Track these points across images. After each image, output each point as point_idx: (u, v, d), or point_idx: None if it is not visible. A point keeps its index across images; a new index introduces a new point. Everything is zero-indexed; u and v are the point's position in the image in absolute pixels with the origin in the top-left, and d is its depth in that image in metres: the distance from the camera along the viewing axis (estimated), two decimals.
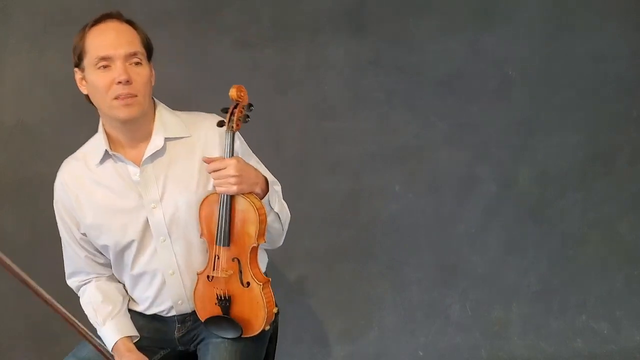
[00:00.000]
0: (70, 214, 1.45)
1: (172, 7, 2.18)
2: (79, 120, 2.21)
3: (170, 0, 2.19)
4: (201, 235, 1.39)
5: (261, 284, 1.36)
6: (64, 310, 1.28)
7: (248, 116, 1.36)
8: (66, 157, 2.18)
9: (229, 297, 1.37)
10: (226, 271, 1.35)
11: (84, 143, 2.18)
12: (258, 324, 1.37)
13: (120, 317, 1.47)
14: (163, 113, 1.43)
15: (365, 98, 2.37)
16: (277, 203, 1.39)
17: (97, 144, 1.42)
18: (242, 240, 1.34)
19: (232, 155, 1.31)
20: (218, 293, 1.38)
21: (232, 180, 1.27)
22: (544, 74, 2.46)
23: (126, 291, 1.53)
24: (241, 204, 1.32)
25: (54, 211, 2.19)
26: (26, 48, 2.16)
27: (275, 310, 1.39)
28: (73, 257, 1.50)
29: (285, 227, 1.48)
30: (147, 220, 1.38)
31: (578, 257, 2.56)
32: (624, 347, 2.54)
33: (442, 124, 2.42)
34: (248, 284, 1.36)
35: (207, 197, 1.36)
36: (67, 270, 1.53)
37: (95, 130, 2.14)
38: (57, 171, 2.17)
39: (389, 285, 2.46)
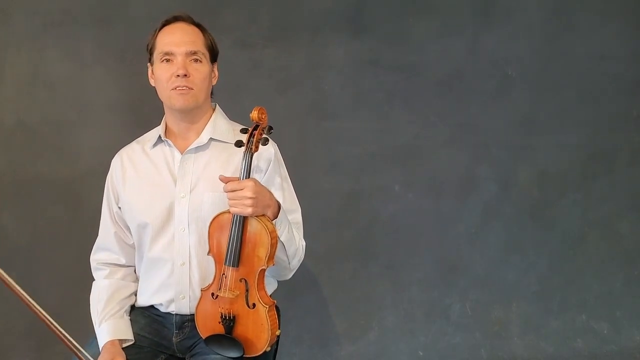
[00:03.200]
0: (115, 187, 1.55)
1: (172, 7, 2.17)
2: (79, 120, 2.22)
3: (170, 0, 2.19)
4: (209, 252, 1.39)
5: (267, 306, 1.36)
6: (55, 324, 1.30)
7: (267, 139, 1.37)
8: (65, 157, 2.21)
9: (234, 316, 1.36)
10: (233, 291, 1.35)
11: (83, 144, 2.20)
12: (260, 345, 1.37)
13: (117, 319, 1.49)
14: (218, 117, 1.55)
15: (365, 98, 2.37)
16: (285, 232, 1.39)
17: (156, 131, 1.56)
18: (251, 261, 1.34)
19: (249, 176, 1.32)
20: (222, 312, 1.37)
21: (248, 202, 1.28)
22: (544, 74, 2.46)
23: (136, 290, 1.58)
24: (254, 226, 1.32)
25: (53, 211, 2.21)
26: (26, 48, 2.16)
27: (278, 332, 1.39)
28: (104, 232, 1.58)
29: (293, 263, 1.48)
30: (172, 207, 1.46)
31: (578, 257, 2.56)
32: (624, 347, 2.54)
33: (442, 124, 2.42)
34: (254, 305, 1.35)
35: (218, 215, 1.37)
36: (96, 245, 1.60)
37: (93, 131, 2.15)
38: (56, 171, 2.20)
39: (389, 285, 2.46)
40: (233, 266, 1.34)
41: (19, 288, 1.31)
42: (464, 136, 2.44)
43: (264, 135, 1.36)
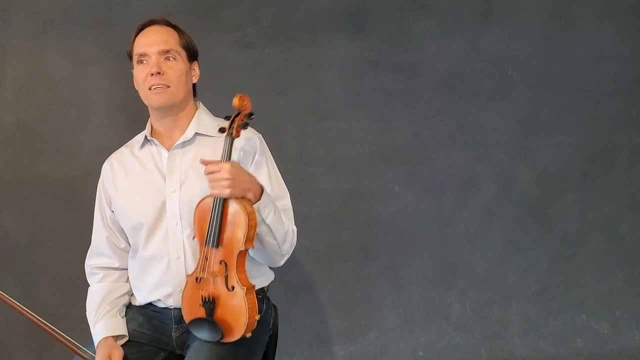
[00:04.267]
0: (107, 192, 1.57)
1: (172, 7, 2.18)
2: (79, 120, 2.22)
3: (170, 0, 2.19)
4: (194, 236, 1.43)
5: (245, 288, 1.37)
6: (52, 327, 1.30)
7: (247, 124, 1.41)
8: (66, 157, 2.21)
9: (214, 299, 1.38)
10: (213, 273, 1.38)
11: (83, 144, 2.20)
12: (238, 329, 1.37)
13: (109, 318, 1.50)
14: (202, 114, 1.57)
15: (365, 98, 2.37)
16: (270, 215, 1.41)
17: (143, 133, 1.58)
18: (230, 243, 1.36)
19: (229, 159, 1.36)
20: (203, 295, 1.39)
21: (225, 183, 1.31)
22: (544, 74, 2.47)
23: (130, 290, 1.59)
24: (233, 208, 1.36)
25: (53, 211, 2.21)
26: (26, 48, 2.16)
27: (257, 317, 1.39)
28: (97, 238, 1.60)
29: (284, 248, 1.48)
30: (164, 203, 1.48)
31: (578, 257, 2.56)
32: (624, 347, 2.54)
33: (442, 124, 2.42)
34: (233, 287, 1.37)
35: (202, 200, 1.40)
36: (90, 251, 1.62)
37: (93, 131, 2.14)
38: (56, 171, 2.20)
39: (389, 285, 2.46)
40: (213, 246, 1.36)
41: (12, 300, 1.32)
42: (464, 136, 2.44)
43: (245, 121, 1.40)
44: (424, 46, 2.38)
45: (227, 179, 1.31)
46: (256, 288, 1.44)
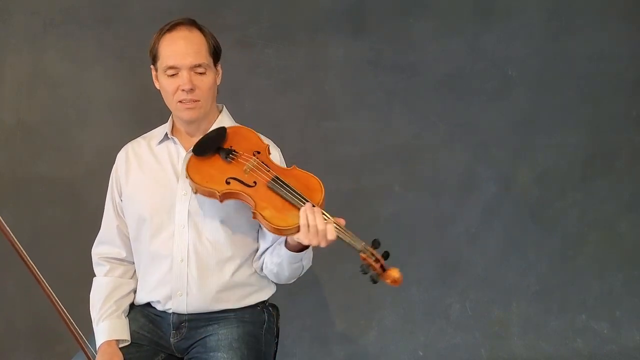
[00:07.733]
0: (118, 180, 1.56)
1: (172, 7, 2.18)
2: (79, 120, 2.22)
3: (170, 0, 2.19)
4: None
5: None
6: (65, 312, 1.28)
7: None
8: (66, 157, 2.21)
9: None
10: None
11: (83, 144, 2.20)
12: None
13: (114, 319, 1.49)
14: (224, 119, 1.57)
15: (365, 98, 2.37)
16: (307, 260, 1.56)
17: (163, 128, 1.57)
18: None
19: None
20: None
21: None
22: (544, 74, 2.47)
23: (136, 287, 1.59)
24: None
25: (54, 211, 2.21)
26: (26, 48, 2.16)
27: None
28: (107, 225, 1.59)
29: (289, 280, 1.61)
30: (174, 203, 1.48)
31: (578, 257, 2.56)
32: (624, 347, 2.54)
33: (442, 124, 2.42)
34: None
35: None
36: (98, 238, 1.61)
37: (93, 131, 2.13)
38: (57, 171, 2.20)
39: (389, 285, 2.45)
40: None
41: (38, 273, 1.30)
42: (464, 136, 2.44)
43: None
44: (424, 46, 2.38)
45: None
46: (257, 301, 1.55)
